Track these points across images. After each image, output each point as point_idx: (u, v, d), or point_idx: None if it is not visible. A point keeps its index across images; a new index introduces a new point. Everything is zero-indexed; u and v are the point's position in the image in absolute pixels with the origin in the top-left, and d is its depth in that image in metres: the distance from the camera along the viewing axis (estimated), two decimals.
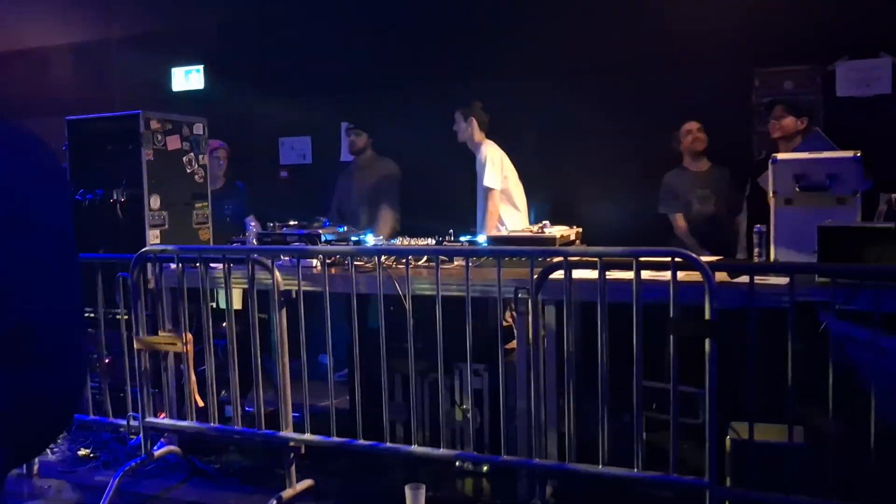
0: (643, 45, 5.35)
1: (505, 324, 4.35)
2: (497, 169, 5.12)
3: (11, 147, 1.31)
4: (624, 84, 5.45)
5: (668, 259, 3.03)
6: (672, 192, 5.13)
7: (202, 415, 4.00)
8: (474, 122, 5.22)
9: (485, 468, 4.00)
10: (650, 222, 5.20)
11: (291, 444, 3.72)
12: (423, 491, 3.50)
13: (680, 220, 5.11)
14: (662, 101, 5.31)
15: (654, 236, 5.06)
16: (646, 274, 3.18)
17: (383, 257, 3.65)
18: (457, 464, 4.01)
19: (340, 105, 6.46)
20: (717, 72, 5.19)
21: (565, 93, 5.61)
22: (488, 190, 5.10)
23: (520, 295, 3.36)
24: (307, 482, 3.81)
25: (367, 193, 5.77)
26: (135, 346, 3.92)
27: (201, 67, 6.87)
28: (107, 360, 4.44)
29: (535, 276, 3.23)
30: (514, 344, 3.82)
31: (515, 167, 5.26)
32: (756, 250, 3.80)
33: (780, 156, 3.61)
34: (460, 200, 5.58)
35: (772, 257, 3.61)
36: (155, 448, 4.12)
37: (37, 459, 4.24)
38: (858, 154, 3.48)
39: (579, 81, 5.58)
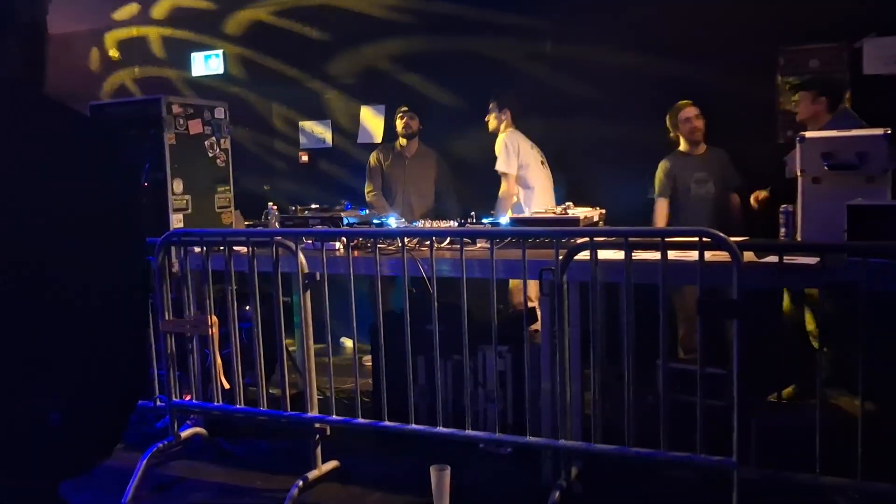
0: (667, 23, 5.29)
1: (529, 304, 4.35)
2: (513, 155, 5.19)
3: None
4: (647, 63, 5.39)
5: (695, 239, 3.01)
6: (671, 177, 5.08)
7: (228, 397, 4.03)
8: (509, 113, 5.29)
9: (508, 450, 4.00)
10: None
11: (317, 425, 3.74)
12: (447, 472, 3.50)
13: (662, 208, 5.07)
14: (685, 80, 5.25)
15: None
16: (672, 254, 3.15)
17: (406, 239, 3.64)
18: (480, 445, 4.02)
19: (361, 88, 6.46)
20: (741, 50, 5.12)
21: (587, 73, 5.57)
22: (502, 175, 5.23)
23: (544, 277, 3.34)
24: (332, 463, 3.83)
25: (422, 186, 5.77)
26: (161, 328, 3.94)
27: (221, 52, 6.87)
28: None
29: (561, 258, 3.21)
30: (537, 325, 3.82)
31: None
32: (782, 230, 3.77)
33: (808, 134, 3.56)
34: (480, 183, 5.57)
35: (798, 237, 3.57)
36: (181, 430, 4.16)
37: None
38: (888, 132, 3.42)
39: (602, 61, 5.53)
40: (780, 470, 3.03)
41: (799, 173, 3.55)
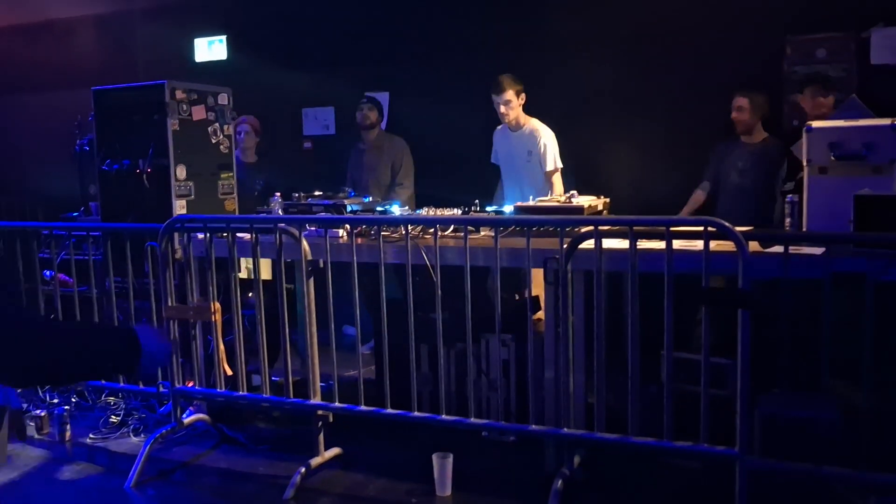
0: (671, 12, 5.25)
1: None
2: (557, 148, 5.06)
3: None
4: (650, 52, 5.37)
5: (701, 228, 3.00)
6: (714, 162, 5.02)
7: (231, 383, 4.03)
8: (524, 97, 5.02)
9: (511, 438, 4.01)
10: (678, 192, 5.12)
11: (320, 412, 3.74)
12: (450, 460, 3.51)
13: (697, 193, 5.03)
14: (691, 70, 5.23)
15: (681, 206, 5.02)
16: (677, 244, 3.14)
17: (410, 227, 3.63)
18: (484, 434, 4.02)
19: (364, 75, 6.42)
20: (748, 39, 5.09)
21: (590, 62, 5.54)
22: (554, 172, 5.02)
23: (549, 265, 3.34)
24: (335, 450, 3.83)
25: (379, 174, 5.73)
26: (164, 315, 3.94)
27: (224, 38, 6.84)
28: None
29: (566, 246, 3.20)
30: (541, 314, 3.81)
31: None
32: (787, 220, 3.75)
33: (815, 124, 3.54)
34: (482, 171, 5.55)
35: (804, 227, 3.56)
36: (184, 416, 4.16)
37: (69, 426, 4.32)
38: (895, 122, 3.41)
39: (603, 51, 5.50)
40: (782, 460, 3.03)
41: (805, 163, 3.54)
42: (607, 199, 4.30)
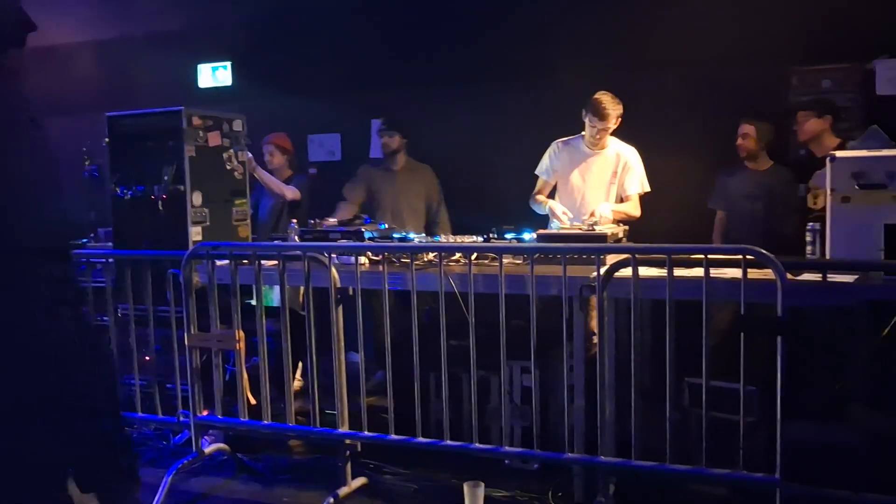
0: (680, 43, 5.34)
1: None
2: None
3: None
4: (662, 81, 5.44)
5: (739, 257, 3.03)
6: (721, 188, 5.12)
7: (253, 413, 3.98)
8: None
9: (535, 466, 3.99)
10: (680, 218, 5.14)
11: (347, 441, 3.71)
12: (482, 489, 3.49)
13: (717, 222, 5.14)
14: (698, 99, 5.31)
15: (697, 233, 5.05)
16: (711, 271, 3.17)
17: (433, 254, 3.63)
18: (506, 462, 4.00)
19: (370, 101, 6.44)
20: (754, 70, 5.19)
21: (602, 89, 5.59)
22: (640, 195, 4.91)
23: (583, 293, 3.36)
24: (361, 480, 3.80)
25: (414, 201, 5.58)
26: (186, 343, 3.89)
27: (229, 64, 6.84)
28: (146, 358, 4.42)
29: (602, 273, 3.22)
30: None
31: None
32: (809, 248, 3.80)
33: (839, 153, 3.61)
34: (493, 197, 5.57)
35: (827, 255, 3.61)
36: (201, 445, 4.10)
37: None
38: None
39: (620, 78, 5.55)
40: (820, 487, 3.05)
41: (829, 192, 3.60)
42: (626, 227, 4.34)
